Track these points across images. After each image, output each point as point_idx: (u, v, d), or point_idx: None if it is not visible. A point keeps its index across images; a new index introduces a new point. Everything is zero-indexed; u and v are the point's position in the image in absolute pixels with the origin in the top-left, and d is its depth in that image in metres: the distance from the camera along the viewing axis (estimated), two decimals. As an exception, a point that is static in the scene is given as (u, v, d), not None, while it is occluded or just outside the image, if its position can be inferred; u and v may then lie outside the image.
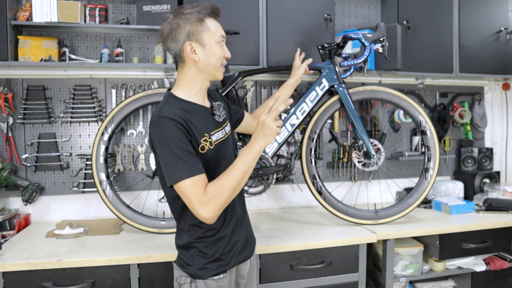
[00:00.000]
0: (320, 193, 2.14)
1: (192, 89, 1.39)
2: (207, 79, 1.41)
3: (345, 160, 2.63)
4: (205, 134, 1.35)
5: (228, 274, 1.41)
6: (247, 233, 1.53)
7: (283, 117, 2.11)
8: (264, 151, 2.05)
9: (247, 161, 1.28)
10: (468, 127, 2.91)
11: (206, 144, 1.34)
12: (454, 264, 2.27)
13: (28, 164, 2.22)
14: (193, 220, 1.36)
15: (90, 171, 2.26)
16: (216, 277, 1.37)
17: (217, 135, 1.41)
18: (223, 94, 2.01)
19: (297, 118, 2.08)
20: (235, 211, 1.45)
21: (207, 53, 1.36)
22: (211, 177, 1.31)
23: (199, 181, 1.24)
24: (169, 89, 1.42)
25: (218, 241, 1.39)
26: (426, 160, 2.23)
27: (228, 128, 1.50)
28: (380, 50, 2.06)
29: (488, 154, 2.86)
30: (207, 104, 1.45)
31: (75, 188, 2.27)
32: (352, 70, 2.11)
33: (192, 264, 1.38)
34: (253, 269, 1.59)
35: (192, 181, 1.23)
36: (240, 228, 1.46)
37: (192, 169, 1.24)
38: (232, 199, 1.30)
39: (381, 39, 2.04)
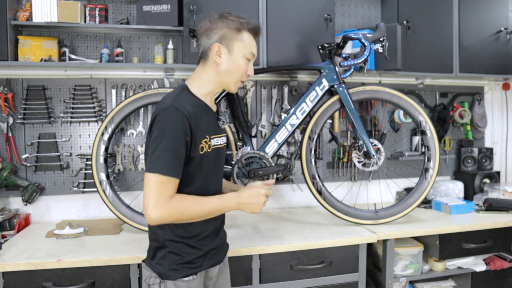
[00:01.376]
0: (320, 193, 2.14)
1: (205, 88, 1.40)
2: (220, 85, 1.41)
3: (345, 160, 2.63)
4: (207, 136, 1.35)
5: (199, 276, 1.39)
6: (222, 240, 1.53)
7: (283, 117, 2.11)
8: (264, 151, 2.05)
9: (220, 208, 1.33)
10: (468, 127, 2.91)
11: (205, 146, 1.34)
12: (454, 264, 2.27)
13: (28, 164, 2.22)
14: None
15: (90, 171, 2.26)
16: (186, 279, 1.35)
17: (216, 141, 1.41)
18: (223, 94, 2.01)
19: (297, 118, 2.08)
20: (215, 220, 1.43)
21: (231, 61, 1.36)
22: (200, 180, 1.33)
23: (169, 183, 1.24)
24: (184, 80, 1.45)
25: (193, 244, 1.37)
26: (426, 160, 2.22)
27: (225, 139, 1.49)
28: (380, 50, 2.06)
29: (488, 154, 2.86)
30: (214, 108, 1.46)
31: (75, 188, 2.27)
32: (352, 70, 2.10)
33: (163, 263, 1.35)
34: (226, 271, 1.57)
35: (162, 179, 1.22)
36: (215, 236, 1.45)
37: (169, 168, 1.23)
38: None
39: (381, 39, 2.04)
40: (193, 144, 1.30)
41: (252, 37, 1.40)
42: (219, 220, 1.47)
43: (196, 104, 1.35)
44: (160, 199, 1.22)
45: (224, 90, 2.05)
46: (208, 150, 1.36)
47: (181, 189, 1.30)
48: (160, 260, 1.36)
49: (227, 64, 1.36)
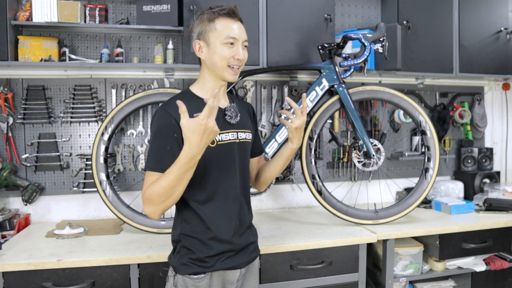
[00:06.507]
0: (320, 193, 2.14)
1: (205, 86, 1.44)
2: (217, 78, 1.42)
3: (345, 160, 2.63)
4: None
5: (209, 276, 1.37)
6: (244, 244, 1.45)
7: (283, 117, 2.10)
8: (264, 151, 2.04)
9: (180, 166, 1.20)
10: (468, 127, 2.91)
11: None
12: (454, 264, 2.27)
13: (28, 164, 2.22)
14: (186, 214, 1.37)
15: (90, 171, 2.25)
16: (195, 277, 1.35)
17: (224, 136, 1.39)
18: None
19: (297, 118, 2.07)
20: (229, 220, 1.40)
21: (210, 52, 1.39)
22: (204, 175, 1.34)
23: (154, 177, 1.30)
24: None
25: (205, 241, 1.36)
26: (426, 160, 2.22)
27: (244, 135, 1.46)
28: (380, 50, 2.06)
29: (488, 154, 2.86)
30: (221, 104, 1.44)
31: (75, 188, 2.27)
32: (352, 70, 2.11)
33: (177, 257, 1.39)
34: (250, 278, 1.51)
35: (149, 174, 1.31)
36: (231, 237, 1.39)
37: (155, 164, 1.31)
38: (175, 199, 1.27)
39: (381, 39, 2.04)
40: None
41: (228, 21, 1.38)
42: (237, 221, 1.41)
43: (195, 102, 1.38)
44: (143, 193, 1.30)
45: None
46: (211, 145, 1.34)
47: (197, 184, 1.34)
48: (176, 254, 1.40)
49: (209, 56, 1.39)
